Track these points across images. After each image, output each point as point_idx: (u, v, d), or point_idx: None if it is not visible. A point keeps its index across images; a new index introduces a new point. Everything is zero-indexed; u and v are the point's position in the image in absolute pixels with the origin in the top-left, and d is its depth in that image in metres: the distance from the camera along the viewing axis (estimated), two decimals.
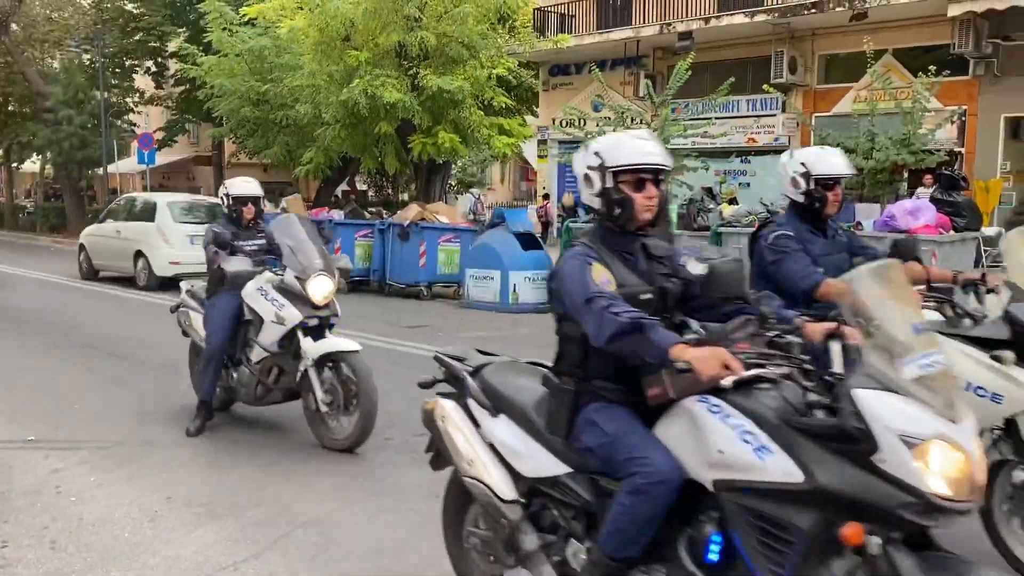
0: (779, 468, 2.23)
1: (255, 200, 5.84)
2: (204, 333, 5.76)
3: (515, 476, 2.88)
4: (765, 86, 15.43)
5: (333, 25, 15.43)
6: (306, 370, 5.26)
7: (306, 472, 4.88)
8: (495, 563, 3.04)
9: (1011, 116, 15.45)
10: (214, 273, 5.67)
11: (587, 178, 2.72)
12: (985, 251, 11.22)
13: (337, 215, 15.63)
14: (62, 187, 31.77)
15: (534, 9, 19.90)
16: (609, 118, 14.34)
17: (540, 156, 24.16)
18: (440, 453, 3.19)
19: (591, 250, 2.67)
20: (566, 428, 2.71)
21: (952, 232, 9.85)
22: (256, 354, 5.47)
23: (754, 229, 4.09)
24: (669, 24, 18.72)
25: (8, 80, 30.48)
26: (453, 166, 22.77)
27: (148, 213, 14.56)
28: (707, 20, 18.10)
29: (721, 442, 2.34)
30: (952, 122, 14.06)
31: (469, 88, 15.30)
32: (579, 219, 12.80)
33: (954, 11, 14.54)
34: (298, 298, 5.33)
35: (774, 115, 18.32)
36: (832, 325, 2.47)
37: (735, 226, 9.99)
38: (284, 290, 5.39)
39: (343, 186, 25.75)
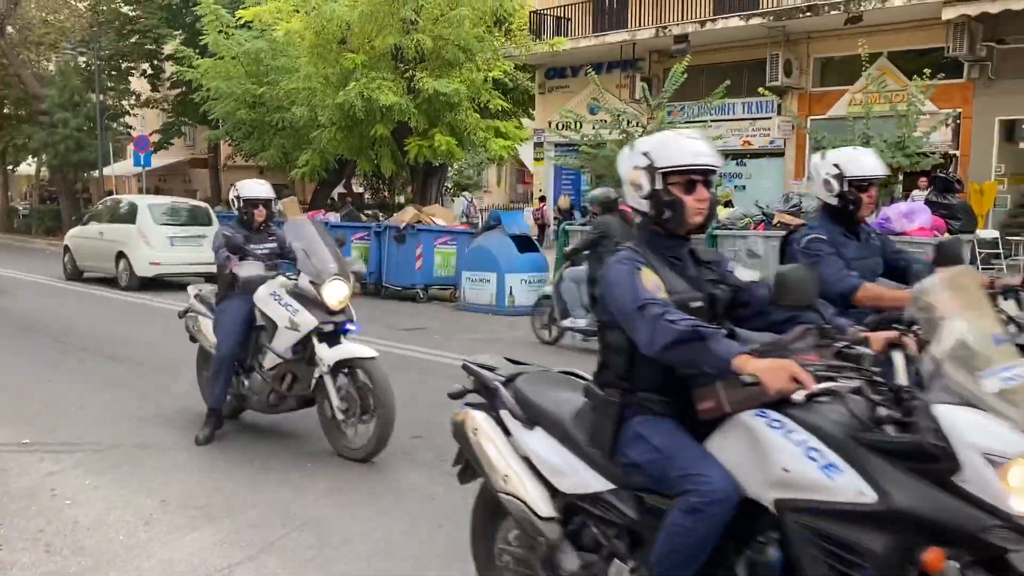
0: (850, 487, 2.09)
1: (266, 202, 5.72)
2: (213, 339, 5.61)
3: (552, 492, 2.73)
4: (760, 89, 15.48)
5: (329, 28, 15.44)
6: (321, 377, 5.12)
7: (302, 475, 4.88)
8: None
9: (1005, 119, 15.50)
10: (224, 277, 5.55)
11: (634, 180, 2.59)
12: (980, 253, 11.25)
13: (333, 218, 15.65)
14: (57, 190, 31.70)
15: (530, 12, 19.92)
16: (605, 121, 14.35)
17: (536, 159, 24.17)
18: (469, 466, 3.05)
19: (638, 255, 2.54)
20: (610, 442, 2.57)
21: (947, 235, 9.87)
22: (269, 360, 5.34)
23: (785, 233, 3.98)
24: (665, 27, 18.76)
25: (3, 83, 30.42)
26: (449, 169, 22.78)
27: (129, 215, 14.93)
28: (703, 23, 18.13)
29: (785, 460, 2.19)
30: (947, 125, 14.10)
31: (465, 91, 15.32)
32: (575, 221, 12.81)
33: (948, 14, 14.58)
34: (312, 303, 5.20)
35: (769, 118, 18.36)
36: (893, 334, 2.37)
37: (731, 228, 10.01)
38: (298, 295, 5.27)
39: (339, 189, 25.74)
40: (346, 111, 15.21)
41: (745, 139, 18.90)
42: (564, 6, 21.35)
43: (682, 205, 2.53)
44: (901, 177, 13.53)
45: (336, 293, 5.20)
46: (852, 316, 3.16)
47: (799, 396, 2.14)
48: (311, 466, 5.04)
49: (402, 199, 21.72)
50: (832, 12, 16.36)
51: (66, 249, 16.32)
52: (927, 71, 12.33)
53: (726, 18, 17.80)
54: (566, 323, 9.25)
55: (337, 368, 5.09)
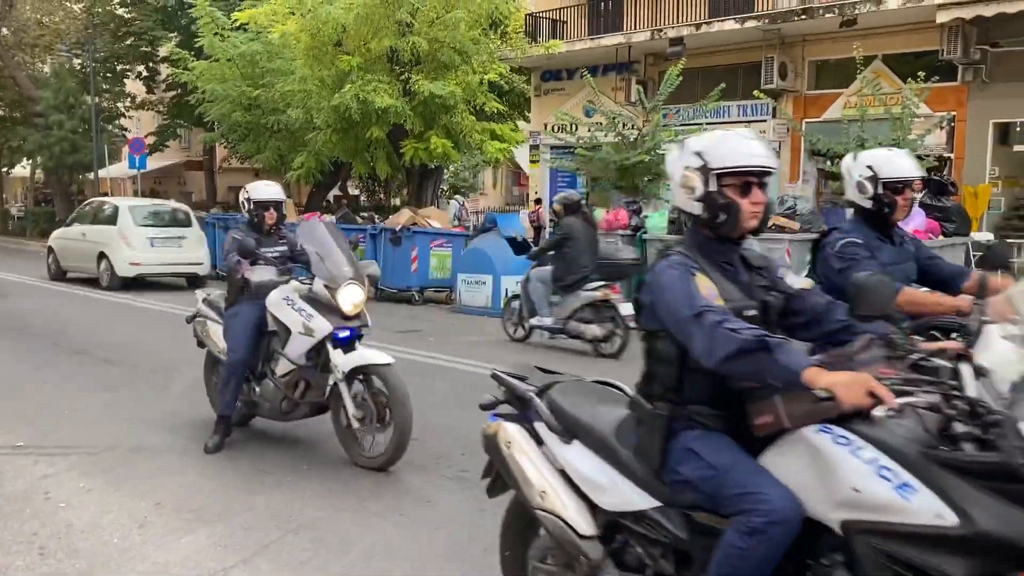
0: (927, 509, 1.96)
1: (277, 205, 5.61)
2: (223, 344, 5.48)
3: (592, 508, 2.61)
4: (756, 92, 15.47)
5: (325, 30, 15.45)
6: (336, 384, 5.00)
7: (297, 477, 4.87)
8: None
9: (999, 122, 15.54)
10: (234, 282, 5.43)
11: (686, 181, 2.47)
12: (974, 256, 11.28)
13: (329, 220, 15.62)
14: (52, 192, 31.70)
15: (525, 15, 19.93)
16: (601, 124, 14.37)
17: (532, 161, 24.15)
18: (499, 479, 2.93)
19: (690, 259, 2.43)
20: (659, 458, 2.44)
21: (942, 237, 9.91)
22: (282, 367, 5.22)
23: (817, 237, 3.84)
24: (660, 30, 18.77)
25: None
26: (445, 171, 22.78)
27: (111, 217, 15.31)
28: (698, 26, 18.15)
29: (855, 479, 2.06)
30: (941, 128, 14.12)
31: (461, 93, 15.34)
32: None
33: (943, 17, 14.62)
34: (327, 308, 5.07)
35: (765, 121, 18.37)
36: (958, 345, 2.26)
37: None
38: (312, 300, 5.14)
39: (335, 191, 25.74)
40: (342, 113, 15.21)
41: None
42: (559, 9, 21.35)
43: (737, 208, 2.42)
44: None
45: (351, 297, 5.08)
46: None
47: (880, 412, 2.00)
48: (306, 468, 5.03)
49: (398, 201, 21.73)
50: (827, 15, 16.39)
51: (50, 250, 16.75)
52: (921, 74, 12.37)
53: (721, 21, 17.82)
54: (534, 321, 9.56)
55: (352, 375, 4.97)
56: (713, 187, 2.43)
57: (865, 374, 2.06)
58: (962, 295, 3.54)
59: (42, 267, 17.07)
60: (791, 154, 18.14)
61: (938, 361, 2.21)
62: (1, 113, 32.28)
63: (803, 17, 16.70)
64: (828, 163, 13.69)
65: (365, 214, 18.59)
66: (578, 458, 2.65)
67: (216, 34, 19.50)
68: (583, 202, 9.75)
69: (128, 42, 29.17)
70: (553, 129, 19.49)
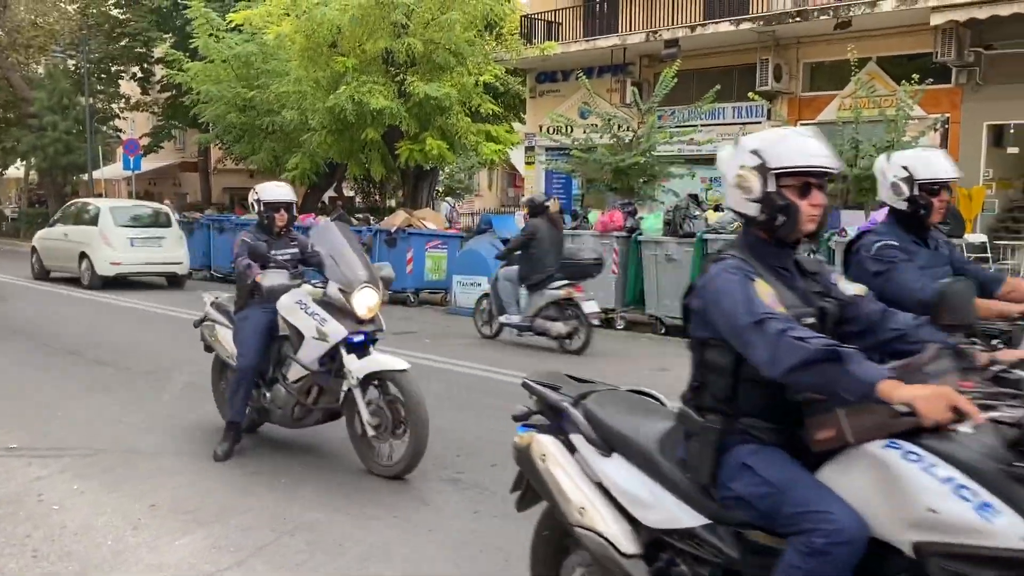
0: (1012, 531, 1.85)
1: (288, 206, 5.46)
2: (232, 349, 5.35)
3: (634, 525, 2.50)
4: (750, 94, 15.52)
5: (320, 31, 15.44)
6: (350, 390, 4.85)
7: (292, 479, 4.85)
8: None
9: (993, 124, 15.60)
10: (244, 286, 5.29)
11: (742, 181, 2.36)
12: (968, 258, 11.32)
13: (323, 221, 15.61)
14: (46, 193, 31.61)
15: (521, 16, 19.97)
16: (596, 125, 14.39)
17: (527, 163, 24.18)
18: (529, 491, 2.82)
19: (746, 263, 2.31)
20: (710, 473, 2.32)
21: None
22: (294, 372, 5.07)
23: (850, 240, 3.75)
24: (655, 32, 18.81)
25: None
26: (440, 173, 22.77)
27: (92, 217, 15.66)
28: (693, 28, 18.19)
29: (931, 498, 1.94)
30: (935, 130, 14.19)
31: (456, 95, 15.34)
32: (565, 226, 12.81)
33: (936, 20, 14.67)
34: (340, 312, 4.92)
35: (759, 122, 18.39)
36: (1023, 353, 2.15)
37: (721, 232, 10.04)
38: (325, 303, 4.98)
39: (330, 192, 25.72)
40: (336, 115, 15.21)
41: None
42: (555, 10, 21.39)
43: (797, 210, 2.31)
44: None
45: (366, 301, 4.93)
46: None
47: (966, 428, 1.89)
48: (301, 470, 5.02)
49: (393, 203, 21.71)
50: (821, 17, 16.44)
51: (33, 250, 17.14)
52: (915, 76, 12.42)
53: (716, 23, 17.86)
54: (502, 319, 9.80)
55: (367, 381, 4.84)
56: (772, 187, 2.32)
57: (946, 388, 1.94)
58: (996, 300, 3.47)
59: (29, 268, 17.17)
60: None
61: (1020, 373, 2.09)
62: None
63: (797, 19, 16.75)
64: None
65: (360, 215, 18.56)
66: (619, 472, 2.53)
67: (211, 35, 19.48)
68: (548, 204, 10.10)
69: (123, 43, 29.14)
70: (548, 131, 19.52)
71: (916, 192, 3.47)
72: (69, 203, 18.56)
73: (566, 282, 9.26)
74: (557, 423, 2.74)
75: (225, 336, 5.51)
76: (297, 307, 5.05)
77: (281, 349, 5.23)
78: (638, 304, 11.19)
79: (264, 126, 19.08)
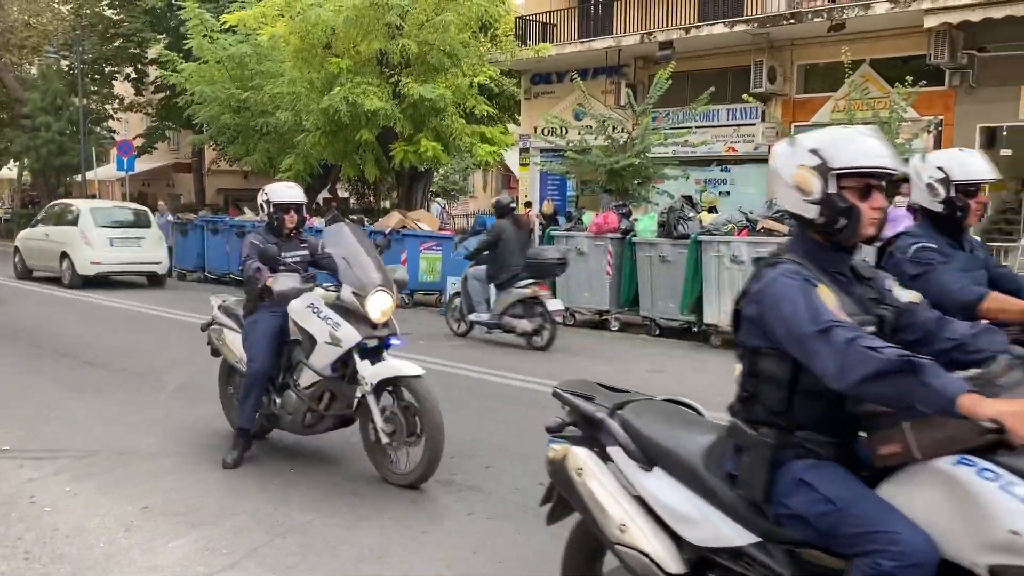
0: None
1: (298, 207, 5.32)
2: (241, 354, 5.23)
3: (677, 543, 2.40)
4: (745, 96, 15.55)
5: (314, 33, 15.43)
6: (364, 396, 4.73)
7: (285, 481, 4.84)
8: None
9: (986, 126, 15.65)
10: (253, 289, 5.15)
11: (801, 181, 2.25)
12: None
13: (318, 223, 15.59)
14: (39, 194, 31.52)
15: (516, 18, 19.97)
16: (591, 127, 14.40)
17: (522, 164, 24.19)
18: (560, 506, 2.74)
19: (804, 268, 2.21)
20: (763, 489, 2.21)
21: None
22: (305, 378, 4.94)
23: (883, 242, 3.60)
24: (650, 33, 18.83)
25: None
26: (435, 174, 22.77)
27: (73, 218, 16.09)
28: (687, 30, 18.22)
29: (1013, 520, 1.84)
30: (929, 132, 14.22)
31: (451, 96, 15.34)
32: (560, 227, 12.83)
33: (930, 22, 14.72)
34: (354, 316, 4.80)
35: (754, 124, 18.44)
36: None
37: (715, 234, 10.06)
38: (338, 307, 4.85)
39: (324, 193, 25.68)
40: (331, 116, 15.19)
41: (729, 145, 18.98)
42: (550, 12, 21.41)
43: (859, 213, 2.21)
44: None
45: (380, 305, 4.80)
46: None
47: None
48: (294, 472, 5.01)
49: (387, 204, 21.71)
50: (815, 19, 16.48)
51: (16, 250, 17.59)
52: (909, 78, 12.46)
53: (711, 25, 17.89)
54: (472, 317, 10.16)
55: (381, 387, 4.73)
56: (832, 188, 2.21)
57: None
58: None
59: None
60: None
61: None
62: None
63: (792, 21, 16.79)
64: None
65: (354, 217, 18.55)
66: (661, 487, 2.43)
67: (205, 36, 19.45)
68: (513, 205, 10.56)
69: (116, 44, 29.08)
70: (543, 132, 19.53)
71: (953, 194, 3.36)
72: (51, 204, 18.89)
73: (531, 281, 9.62)
74: (592, 435, 2.63)
75: (233, 340, 5.39)
76: (309, 311, 4.93)
77: (292, 354, 5.11)
78: (632, 306, 11.20)
79: (258, 127, 19.05)
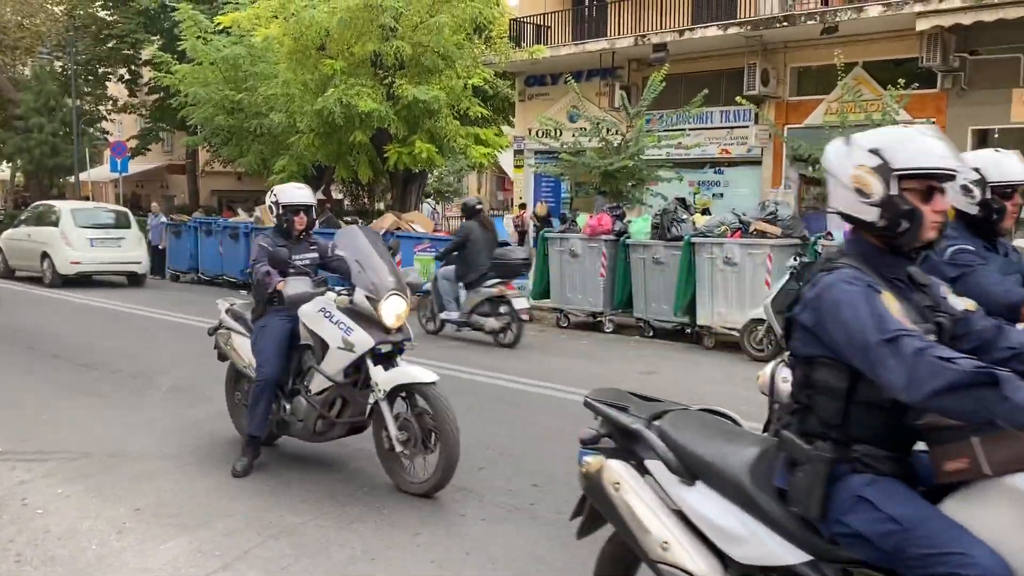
0: None
1: (307, 209, 5.24)
2: (249, 359, 5.13)
3: (722, 560, 2.32)
4: (738, 98, 15.58)
5: (308, 34, 15.42)
6: (377, 403, 4.63)
7: (277, 483, 4.84)
8: None
9: (978, 128, 15.71)
10: (262, 292, 5.03)
11: (860, 182, 2.15)
12: None
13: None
14: (33, 195, 31.36)
15: (510, 19, 19.98)
16: (585, 129, 14.42)
17: (516, 166, 24.21)
18: (592, 520, 2.66)
19: (864, 273, 2.11)
20: (819, 506, 2.10)
21: None
22: (317, 384, 4.83)
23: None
24: (644, 36, 18.86)
25: None
26: (429, 176, 22.76)
27: (54, 219, 16.53)
28: (681, 32, 18.26)
29: None
30: None
31: (445, 98, 15.34)
32: (553, 229, 12.84)
33: (922, 25, 14.79)
34: (367, 320, 4.69)
35: (747, 127, 18.49)
36: None
37: (708, 236, 10.08)
38: (350, 311, 4.75)
39: (318, 195, 25.58)
40: (324, 117, 15.18)
41: (723, 147, 19.03)
42: (544, 14, 21.44)
43: (922, 216, 2.11)
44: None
45: (394, 309, 4.70)
46: None
47: None
48: (286, 474, 5.01)
49: (382, 206, 21.69)
50: (808, 22, 16.54)
51: None
52: (901, 81, 12.51)
53: (704, 27, 17.94)
54: (443, 315, 10.55)
55: (394, 393, 4.64)
56: (894, 190, 2.11)
57: None
58: None
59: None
60: (773, 160, 18.28)
61: None
62: None
63: (785, 24, 16.84)
64: (810, 169, 13.79)
65: (348, 218, 18.55)
66: (706, 503, 2.33)
67: (199, 37, 19.43)
68: (480, 207, 10.87)
69: (110, 45, 29.01)
70: (537, 134, 19.54)
71: (988, 195, 3.26)
72: (35, 204, 19.22)
73: (498, 280, 9.99)
74: (628, 447, 2.54)
75: (242, 345, 5.28)
76: (321, 315, 4.81)
77: (302, 359, 5.01)
78: (626, 307, 11.22)
79: (252, 128, 19.03)
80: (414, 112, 15.50)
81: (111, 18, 28.79)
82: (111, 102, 31.25)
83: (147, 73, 27.63)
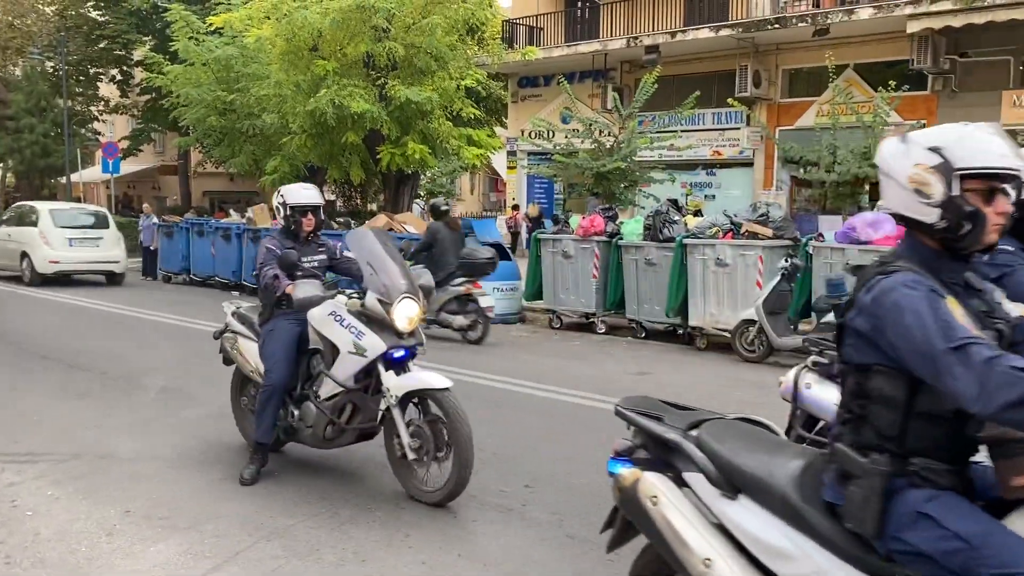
0: None
1: (315, 210, 5.11)
2: (257, 363, 5.03)
3: None
4: (730, 100, 15.65)
5: (300, 35, 15.39)
6: (388, 409, 4.53)
7: (268, 484, 4.83)
8: None
9: None
10: (270, 296, 4.93)
11: (920, 181, 2.04)
12: None
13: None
14: (23, 196, 31.24)
15: (503, 21, 20.00)
16: (577, 130, 14.45)
17: (509, 167, 24.25)
18: (624, 532, 2.57)
19: (925, 277, 2.00)
20: (876, 523, 2.00)
21: None
22: (327, 389, 4.71)
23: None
24: (636, 37, 18.91)
25: None
26: (422, 177, 22.75)
27: (33, 219, 16.84)
28: (673, 34, 18.31)
29: None
30: None
31: (437, 99, 15.33)
32: (546, 230, 12.85)
33: (913, 28, 14.87)
34: (378, 325, 4.58)
35: (739, 128, 18.57)
36: None
37: (700, 237, 10.10)
38: (362, 315, 4.65)
39: None
40: (317, 118, 15.16)
41: (715, 149, 19.10)
42: (537, 16, 21.47)
43: (984, 218, 2.01)
44: (867, 187, 13.75)
45: (408, 312, 4.58)
46: None
47: None
48: (277, 475, 5.00)
49: (374, 207, 21.67)
50: (800, 24, 16.61)
51: None
52: (892, 83, 12.57)
53: (696, 29, 18.00)
54: None
55: (406, 399, 4.53)
56: (956, 191, 2.01)
57: None
58: None
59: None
60: (765, 161, 18.35)
61: None
62: None
63: (776, 26, 16.91)
64: (801, 170, 13.85)
65: (341, 219, 18.52)
66: (750, 518, 2.23)
67: (191, 38, 19.38)
68: (447, 208, 11.10)
69: (101, 45, 28.90)
70: (530, 135, 19.57)
71: (1023, 196, 3.31)
72: (16, 205, 19.45)
73: (465, 279, 10.29)
74: (663, 458, 2.44)
75: (249, 349, 5.17)
76: (331, 319, 4.70)
77: (311, 363, 4.88)
78: (618, 308, 11.23)
79: (244, 129, 18.99)
80: (407, 113, 15.49)
81: (102, 18, 28.69)
82: (103, 103, 31.16)
83: (139, 74, 27.52)
